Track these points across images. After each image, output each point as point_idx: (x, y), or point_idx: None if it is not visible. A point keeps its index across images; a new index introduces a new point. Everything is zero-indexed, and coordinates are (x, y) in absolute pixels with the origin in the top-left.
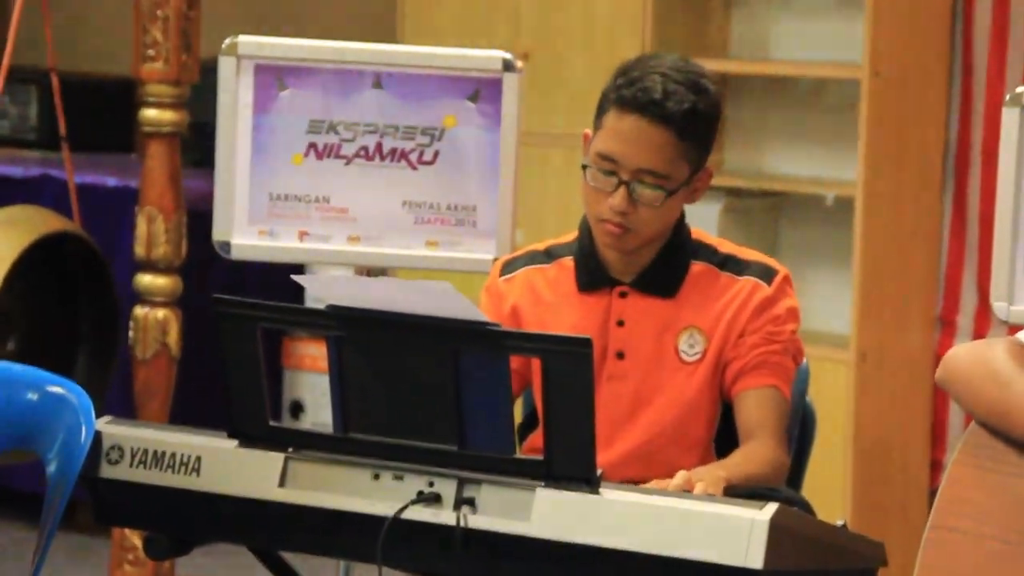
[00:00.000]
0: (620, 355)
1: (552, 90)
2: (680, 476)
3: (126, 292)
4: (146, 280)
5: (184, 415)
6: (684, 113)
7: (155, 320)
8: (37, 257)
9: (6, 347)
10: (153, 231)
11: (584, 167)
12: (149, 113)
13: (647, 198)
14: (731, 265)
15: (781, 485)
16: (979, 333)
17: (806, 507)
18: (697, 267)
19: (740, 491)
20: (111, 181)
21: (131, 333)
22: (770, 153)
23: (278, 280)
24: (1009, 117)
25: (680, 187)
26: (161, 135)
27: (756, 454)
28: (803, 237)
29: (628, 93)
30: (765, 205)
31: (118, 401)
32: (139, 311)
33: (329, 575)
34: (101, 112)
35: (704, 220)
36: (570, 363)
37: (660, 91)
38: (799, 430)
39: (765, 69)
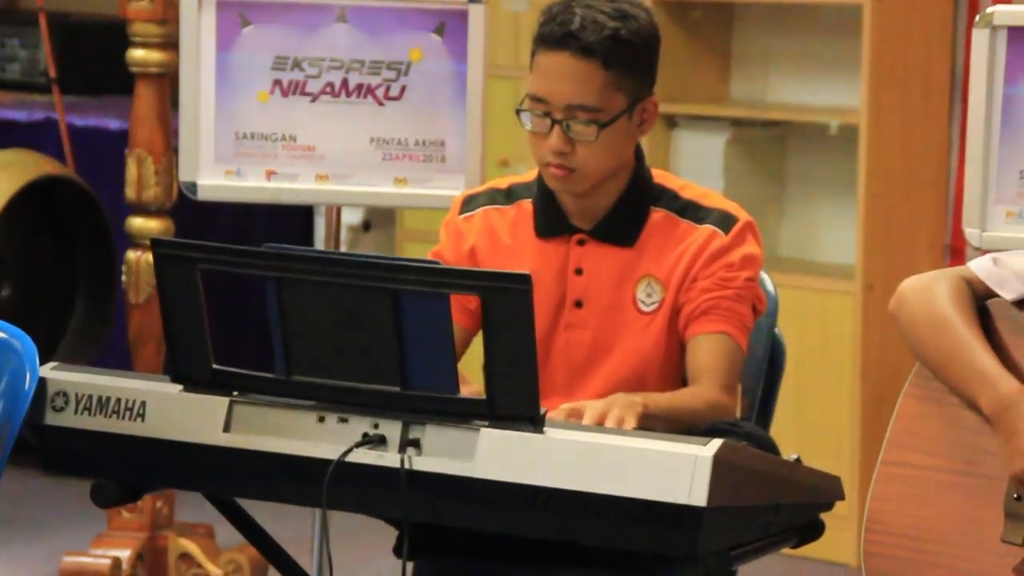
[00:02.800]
0: (578, 303)
1: None
2: (563, 408)
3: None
4: (137, 223)
5: None
6: (605, 40)
7: (147, 263)
8: (31, 202)
9: (1, 293)
10: (143, 173)
11: (518, 112)
12: (136, 53)
13: (582, 134)
14: (691, 212)
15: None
16: None
17: (765, 443)
18: (657, 214)
19: (701, 429)
20: (113, 124)
21: (124, 277)
22: (775, 82)
23: (286, 222)
24: (979, 39)
25: (616, 118)
26: (149, 75)
27: (689, 392)
28: (809, 167)
29: (547, 30)
30: (770, 135)
31: (118, 347)
32: (131, 255)
33: (305, 524)
34: (105, 53)
35: (709, 152)
36: (510, 301)
37: (578, 23)
38: (767, 364)
39: None
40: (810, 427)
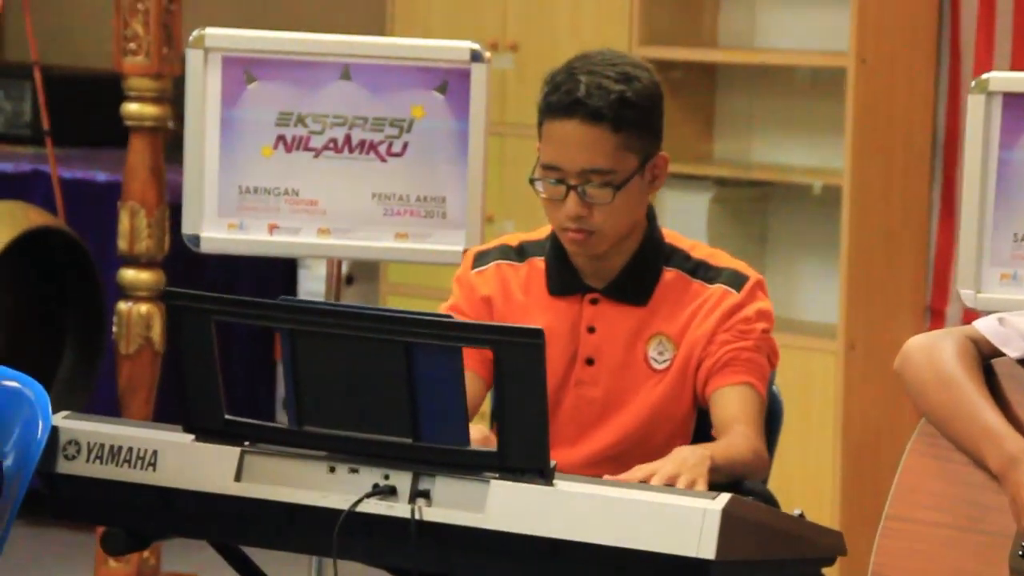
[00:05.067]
0: (590, 361)
1: (541, 81)
2: (639, 469)
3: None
4: (129, 274)
5: (169, 411)
6: (612, 104)
7: (138, 314)
8: (21, 253)
9: None
10: (136, 225)
11: (532, 181)
12: (131, 107)
13: (597, 197)
14: (703, 272)
15: (760, 477)
16: (968, 323)
17: (768, 499)
18: (669, 274)
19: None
20: (101, 176)
21: (115, 328)
22: (758, 143)
23: (270, 273)
24: (974, 104)
25: (629, 179)
26: (143, 129)
27: (737, 441)
28: (791, 227)
29: (555, 99)
30: (753, 195)
31: (105, 397)
32: (122, 306)
33: (302, 570)
34: (93, 107)
35: (693, 210)
36: (522, 355)
37: (584, 90)
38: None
39: (753, 58)
40: (791, 484)
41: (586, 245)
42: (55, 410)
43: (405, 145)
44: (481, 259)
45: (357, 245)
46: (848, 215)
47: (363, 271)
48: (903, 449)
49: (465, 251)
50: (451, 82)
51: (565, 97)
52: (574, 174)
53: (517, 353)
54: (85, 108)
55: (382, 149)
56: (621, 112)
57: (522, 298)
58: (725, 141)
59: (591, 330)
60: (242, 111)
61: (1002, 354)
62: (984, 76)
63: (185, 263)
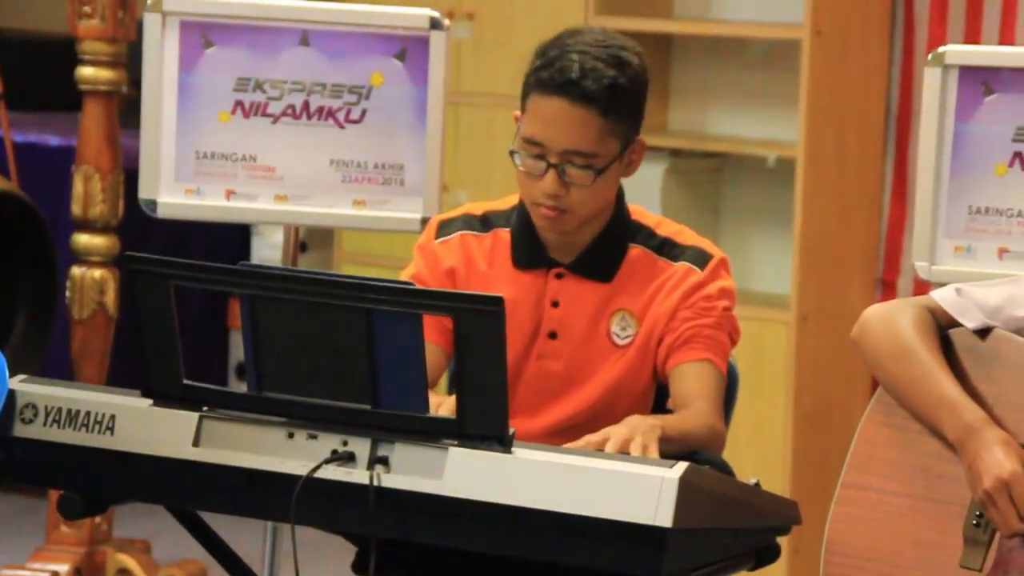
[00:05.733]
0: (553, 335)
1: (497, 50)
2: (587, 439)
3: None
4: (83, 239)
5: (122, 376)
6: (605, 90)
7: (92, 280)
8: None
9: None
10: (90, 190)
11: (512, 153)
12: (85, 71)
13: (577, 179)
14: (667, 249)
15: (716, 451)
16: (919, 295)
17: (724, 468)
18: (634, 251)
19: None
20: (53, 140)
21: (68, 293)
22: (713, 114)
23: (223, 240)
24: (930, 77)
25: (610, 164)
26: (98, 93)
27: (692, 416)
28: (745, 198)
29: (546, 75)
30: (708, 166)
31: (58, 362)
32: (76, 271)
33: (257, 536)
34: (47, 71)
35: (647, 182)
36: (482, 322)
37: (578, 70)
38: None
39: (708, 29)
40: (744, 454)
41: (557, 222)
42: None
43: (363, 112)
44: (445, 228)
45: (314, 212)
46: (801, 187)
47: (318, 239)
48: (855, 420)
49: (426, 220)
50: (410, 49)
51: (557, 75)
52: (556, 153)
53: (477, 321)
54: (39, 72)
55: (340, 116)
56: (611, 97)
57: (486, 269)
58: (680, 112)
59: (555, 304)
60: (200, 76)
61: (959, 325)
62: (940, 49)
63: (139, 228)
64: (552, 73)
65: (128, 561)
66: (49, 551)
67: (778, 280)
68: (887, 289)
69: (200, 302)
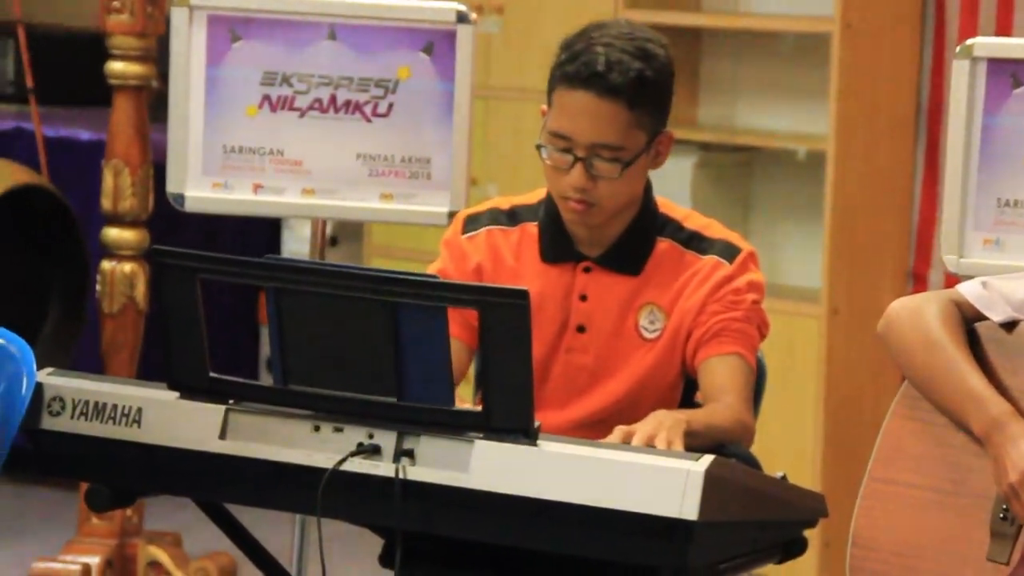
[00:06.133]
0: (581, 328)
1: (526, 45)
2: (618, 431)
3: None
4: (113, 233)
5: (152, 370)
6: (631, 82)
7: (122, 274)
8: (5, 211)
9: None
10: (119, 184)
11: (538, 147)
12: (115, 66)
13: (604, 172)
14: (696, 243)
15: (745, 446)
16: (950, 287)
17: (750, 461)
18: (662, 244)
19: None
20: (84, 135)
21: (98, 287)
22: (743, 108)
23: (253, 234)
24: (959, 70)
25: (637, 156)
26: (127, 88)
27: (719, 410)
28: (775, 192)
29: (572, 68)
30: (737, 160)
31: (88, 356)
32: (106, 264)
33: (286, 530)
34: (78, 65)
35: (677, 175)
36: (508, 315)
37: (604, 63)
38: None
39: (738, 23)
40: (773, 448)
41: (585, 215)
42: (38, 368)
43: (390, 106)
44: (472, 223)
45: (341, 205)
46: (832, 180)
47: (347, 232)
48: (885, 413)
49: (453, 213)
50: (437, 43)
51: (583, 68)
52: (583, 146)
53: (502, 314)
54: (69, 66)
55: (367, 109)
56: (638, 90)
57: (513, 263)
58: (710, 106)
59: (583, 298)
60: (227, 70)
61: (985, 318)
62: (969, 41)
63: (169, 222)
64: (578, 66)
65: (159, 554)
66: (81, 543)
67: (808, 274)
68: (918, 282)
69: (231, 297)
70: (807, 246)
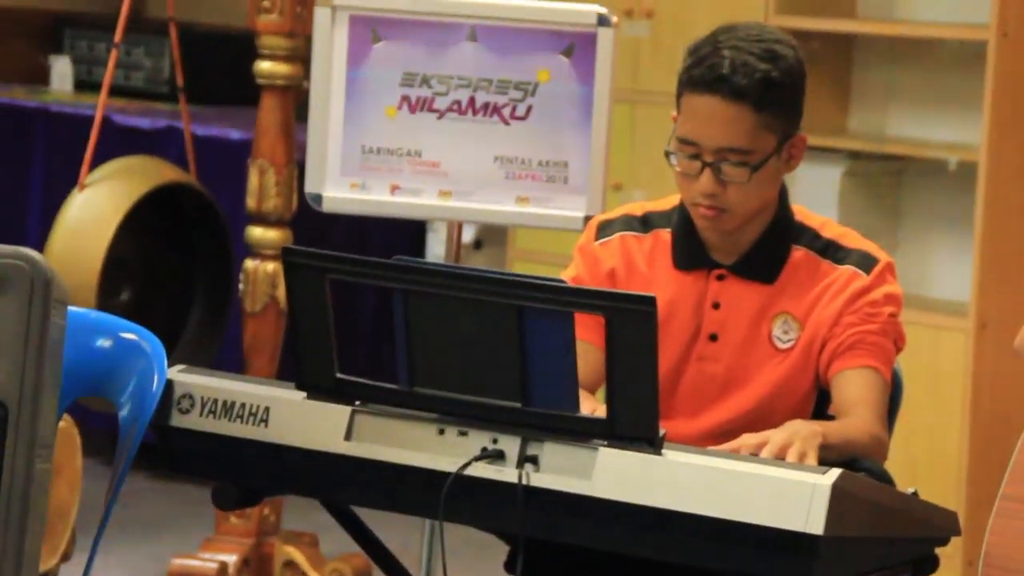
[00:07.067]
0: (713, 337)
1: (675, 49)
2: (748, 437)
3: None
4: (256, 232)
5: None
6: (757, 84)
7: (265, 273)
8: (153, 207)
9: (120, 297)
10: (264, 183)
11: (667, 154)
12: (263, 65)
13: (733, 176)
14: (832, 252)
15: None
16: None
17: (882, 476)
18: (798, 253)
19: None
20: (234, 134)
21: (241, 286)
22: (894, 116)
23: (399, 237)
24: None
25: (767, 159)
26: (275, 87)
27: (854, 423)
28: (925, 203)
29: (697, 73)
30: (888, 169)
31: (231, 354)
32: (249, 264)
33: (415, 535)
34: (228, 65)
35: (825, 184)
36: (634, 322)
37: (728, 66)
38: None
39: (892, 30)
40: (918, 464)
41: (717, 222)
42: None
43: (529, 108)
44: (605, 229)
45: (478, 208)
46: (983, 192)
47: (492, 236)
48: None
49: (587, 219)
50: (577, 46)
51: (708, 72)
52: (711, 151)
53: (629, 320)
54: (220, 66)
55: (506, 112)
56: (764, 92)
57: (646, 270)
58: (861, 114)
59: (716, 306)
60: (368, 71)
61: None
62: None
63: (314, 223)
64: (703, 71)
65: (295, 554)
66: (218, 541)
67: (957, 287)
68: None
69: (375, 302)
70: (957, 259)
